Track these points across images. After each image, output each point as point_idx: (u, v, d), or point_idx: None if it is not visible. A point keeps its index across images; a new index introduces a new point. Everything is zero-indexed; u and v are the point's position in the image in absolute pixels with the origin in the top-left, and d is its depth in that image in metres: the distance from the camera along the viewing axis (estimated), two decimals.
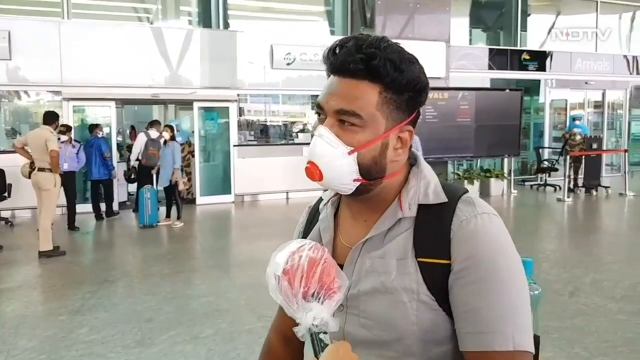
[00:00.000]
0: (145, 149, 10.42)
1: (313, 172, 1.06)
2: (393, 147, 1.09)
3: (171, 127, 9.72)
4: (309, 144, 1.12)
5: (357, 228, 1.16)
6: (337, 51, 1.06)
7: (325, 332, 0.95)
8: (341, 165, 1.05)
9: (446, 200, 1.09)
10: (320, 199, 1.30)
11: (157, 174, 9.79)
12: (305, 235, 1.30)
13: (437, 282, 1.03)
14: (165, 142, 9.47)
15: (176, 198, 9.53)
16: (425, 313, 1.03)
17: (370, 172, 1.07)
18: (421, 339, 1.03)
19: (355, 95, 1.04)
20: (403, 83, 1.04)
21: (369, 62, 1.02)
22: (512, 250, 1.03)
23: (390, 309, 1.04)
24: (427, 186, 1.11)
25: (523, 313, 1.00)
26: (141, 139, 10.68)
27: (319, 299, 0.96)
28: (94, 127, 10.49)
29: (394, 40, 1.07)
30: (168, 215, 9.62)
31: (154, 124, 11.00)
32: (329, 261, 0.99)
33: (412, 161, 1.17)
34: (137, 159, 10.65)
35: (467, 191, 1.12)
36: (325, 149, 1.05)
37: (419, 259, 1.05)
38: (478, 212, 1.05)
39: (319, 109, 1.09)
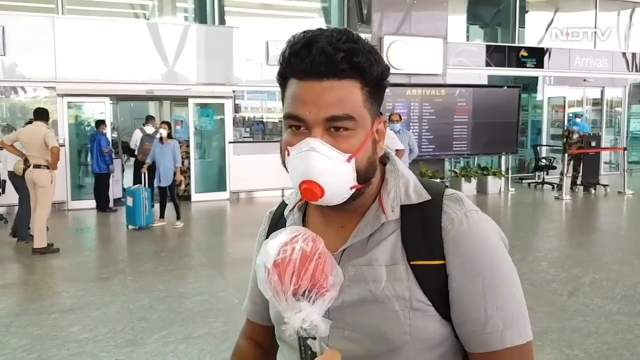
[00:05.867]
0: (141, 144, 10.36)
1: (314, 191, 0.94)
2: (377, 142, 1.02)
3: (169, 124, 9.34)
4: None
5: (333, 235, 1.06)
6: (303, 53, 0.93)
7: (314, 338, 0.88)
8: (342, 176, 0.96)
9: (429, 198, 1.03)
10: (283, 204, 1.22)
11: (149, 173, 9.43)
12: None
13: (434, 284, 0.98)
14: (161, 139, 8.94)
15: (174, 198, 9.13)
16: (418, 321, 0.97)
17: (367, 174, 0.99)
18: (415, 348, 0.98)
19: (344, 96, 0.94)
20: (379, 74, 0.98)
21: (353, 59, 0.93)
22: (501, 244, 1.02)
23: (381, 319, 0.98)
24: (406, 185, 1.05)
25: (523, 303, 1.00)
26: (136, 135, 10.65)
27: (310, 298, 0.88)
28: (100, 123, 10.48)
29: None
30: (162, 216, 9.22)
31: (149, 119, 10.97)
32: (324, 255, 0.90)
33: (384, 159, 1.10)
34: (134, 155, 10.60)
35: (446, 186, 1.08)
36: (324, 164, 0.93)
37: (411, 263, 0.99)
38: (467, 209, 1.01)
39: (297, 121, 0.96)
